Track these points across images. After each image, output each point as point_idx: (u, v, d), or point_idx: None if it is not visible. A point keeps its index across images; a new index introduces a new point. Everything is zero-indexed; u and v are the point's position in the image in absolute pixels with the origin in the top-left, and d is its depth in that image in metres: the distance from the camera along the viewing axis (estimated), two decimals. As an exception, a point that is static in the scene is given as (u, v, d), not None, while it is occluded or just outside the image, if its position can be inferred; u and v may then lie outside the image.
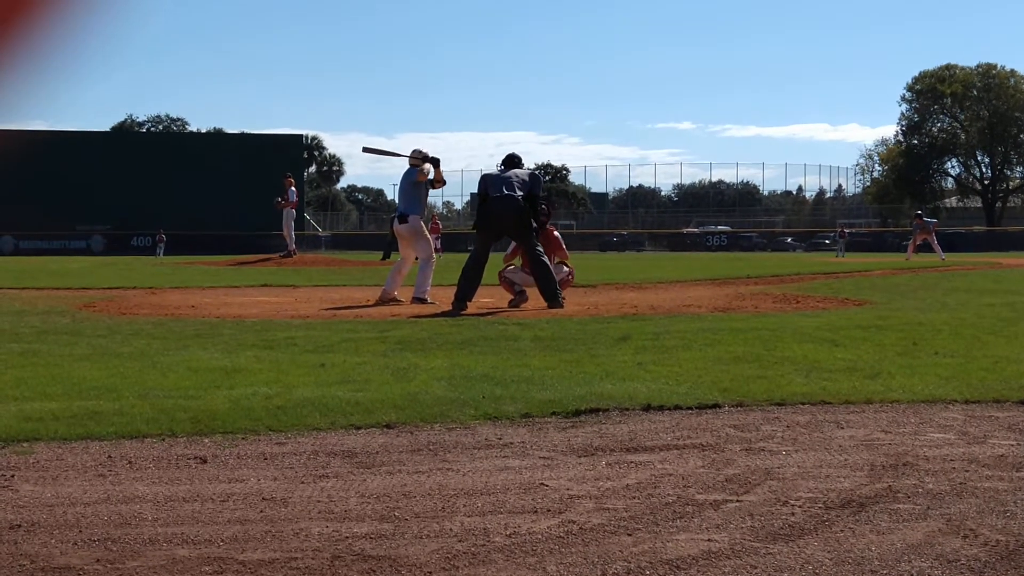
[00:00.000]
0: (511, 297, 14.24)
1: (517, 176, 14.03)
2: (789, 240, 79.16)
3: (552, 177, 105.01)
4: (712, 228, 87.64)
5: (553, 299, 13.66)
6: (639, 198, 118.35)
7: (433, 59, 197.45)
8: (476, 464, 4.90)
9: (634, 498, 4.27)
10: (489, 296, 14.61)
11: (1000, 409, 6.35)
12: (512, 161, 14.47)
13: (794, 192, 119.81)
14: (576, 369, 7.81)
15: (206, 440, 5.40)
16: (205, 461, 4.96)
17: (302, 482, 4.56)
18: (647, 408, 6.27)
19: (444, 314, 12.92)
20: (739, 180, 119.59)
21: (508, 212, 13.78)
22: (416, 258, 15.12)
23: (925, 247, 44.37)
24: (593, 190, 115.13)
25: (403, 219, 15.02)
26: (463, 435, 5.58)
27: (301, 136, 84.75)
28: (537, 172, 14.99)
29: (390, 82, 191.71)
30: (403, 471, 4.77)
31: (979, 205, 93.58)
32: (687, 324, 11.33)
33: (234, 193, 69.29)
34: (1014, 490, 4.40)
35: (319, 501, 4.24)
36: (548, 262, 13.93)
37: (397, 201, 15.97)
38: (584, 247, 69.07)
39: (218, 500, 4.25)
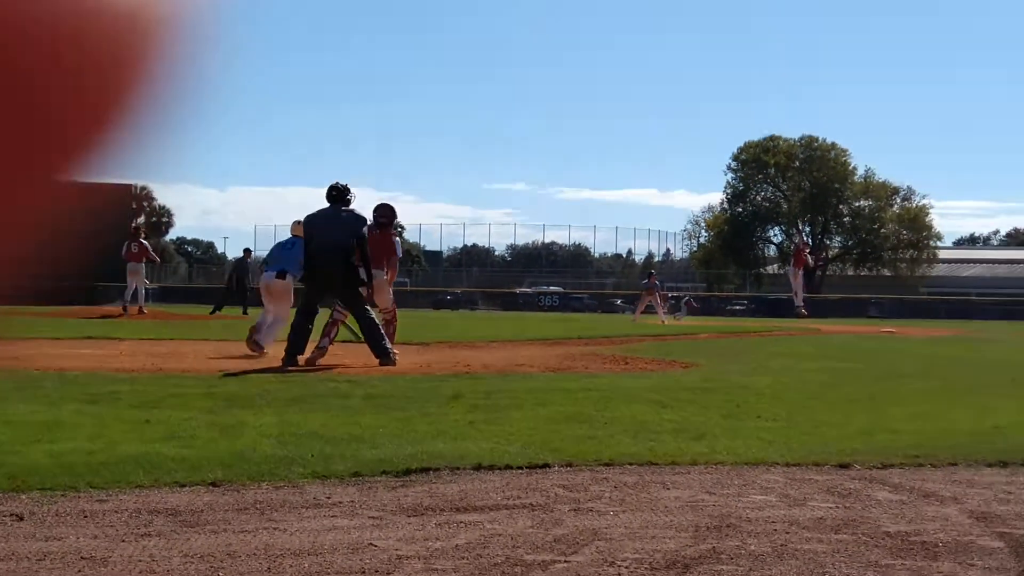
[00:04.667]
0: (320, 352, 13.71)
1: (342, 218, 13.58)
2: (619, 302, 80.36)
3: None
4: (544, 288, 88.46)
5: (384, 356, 13.47)
6: (473, 257, 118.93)
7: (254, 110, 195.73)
8: (304, 524, 4.84)
9: (463, 559, 4.27)
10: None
11: (819, 472, 6.53)
12: (338, 194, 13.79)
13: (624, 255, 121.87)
14: (407, 427, 7.78)
15: (23, 496, 5.22)
16: (22, 518, 4.79)
17: (123, 540, 4.43)
18: (478, 467, 6.28)
19: (274, 370, 12.75)
20: (571, 242, 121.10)
21: (334, 268, 13.43)
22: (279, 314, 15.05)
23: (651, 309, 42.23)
24: (427, 248, 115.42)
25: (282, 275, 14.95)
26: (291, 494, 5.50)
27: (130, 186, 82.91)
28: (361, 214, 14.07)
29: (214, 132, 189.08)
30: (228, 530, 4.68)
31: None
32: (519, 383, 11.40)
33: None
34: (832, 552, 4.53)
35: (140, 560, 4.13)
36: (375, 319, 13.77)
37: (271, 257, 15.67)
38: (418, 304, 68.83)
39: (34, 559, 4.11)
